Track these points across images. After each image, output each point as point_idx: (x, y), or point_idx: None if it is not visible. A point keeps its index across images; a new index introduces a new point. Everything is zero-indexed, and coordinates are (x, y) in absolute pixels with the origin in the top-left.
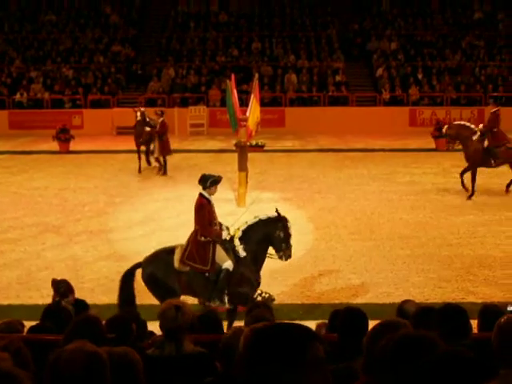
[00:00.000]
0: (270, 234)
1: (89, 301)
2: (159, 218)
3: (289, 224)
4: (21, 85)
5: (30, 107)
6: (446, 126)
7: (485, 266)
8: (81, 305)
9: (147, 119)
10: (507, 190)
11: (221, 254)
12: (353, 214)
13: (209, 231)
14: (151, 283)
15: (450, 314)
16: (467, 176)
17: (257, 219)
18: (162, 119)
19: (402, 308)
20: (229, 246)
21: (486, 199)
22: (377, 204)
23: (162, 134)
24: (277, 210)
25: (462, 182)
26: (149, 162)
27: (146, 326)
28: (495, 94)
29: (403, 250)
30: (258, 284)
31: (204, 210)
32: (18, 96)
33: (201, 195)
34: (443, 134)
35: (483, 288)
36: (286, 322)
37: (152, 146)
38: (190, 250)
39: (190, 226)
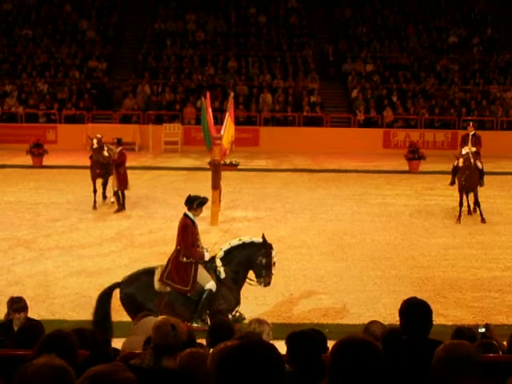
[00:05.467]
0: (252, 259)
1: (58, 316)
2: (131, 234)
3: (273, 252)
4: None
5: (4, 121)
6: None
7: (455, 288)
8: (33, 325)
9: (105, 147)
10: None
11: (203, 275)
12: (325, 234)
13: (192, 252)
14: (128, 304)
15: (412, 307)
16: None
17: (240, 242)
18: (120, 148)
19: (368, 329)
20: (210, 265)
21: (457, 223)
22: (349, 225)
23: (120, 164)
24: (263, 236)
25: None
26: (104, 197)
27: (108, 344)
28: (469, 117)
29: (374, 271)
30: (238, 304)
31: (188, 231)
32: None
33: (185, 216)
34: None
35: (453, 310)
36: (251, 340)
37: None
38: (169, 270)
39: (161, 244)
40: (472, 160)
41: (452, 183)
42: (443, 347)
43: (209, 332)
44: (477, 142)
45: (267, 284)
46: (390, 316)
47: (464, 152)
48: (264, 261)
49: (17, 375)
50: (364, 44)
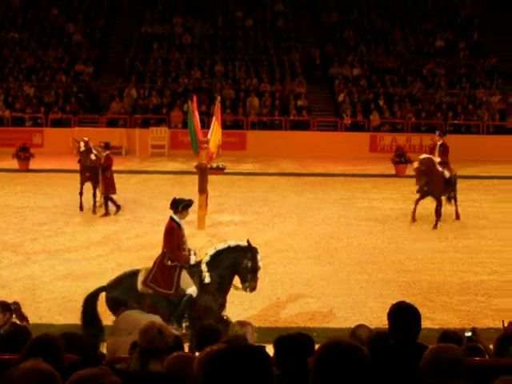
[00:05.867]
0: (238, 262)
1: (45, 320)
2: (118, 238)
3: (259, 256)
4: None
5: None
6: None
7: (442, 292)
8: (18, 330)
9: (93, 150)
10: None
11: (186, 279)
12: (312, 238)
13: (177, 256)
14: (114, 307)
15: (401, 311)
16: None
17: (226, 245)
18: (107, 153)
19: (354, 333)
20: (195, 270)
21: (443, 227)
22: (336, 229)
23: (106, 168)
24: (248, 241)
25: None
26: (94, 202)
27: (96, 349)
28: (456, 121)
29: (361, 274)
30: (223, 309)
31: (173, 234)
32: None
33: (171, 219)
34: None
35: (440, 314)
36: (240, 343)
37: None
38: (154, 273)
39: (148, 248)
40: (437, 167)
41: (419, 191)
42: (430, 351)
43: (195, 336)
44: (444, 152)
45: (253, 289)
46: (377, 320)
47: (423, 156)
48: (250, 264)
49: (3, 379)
50: (351, 48)
